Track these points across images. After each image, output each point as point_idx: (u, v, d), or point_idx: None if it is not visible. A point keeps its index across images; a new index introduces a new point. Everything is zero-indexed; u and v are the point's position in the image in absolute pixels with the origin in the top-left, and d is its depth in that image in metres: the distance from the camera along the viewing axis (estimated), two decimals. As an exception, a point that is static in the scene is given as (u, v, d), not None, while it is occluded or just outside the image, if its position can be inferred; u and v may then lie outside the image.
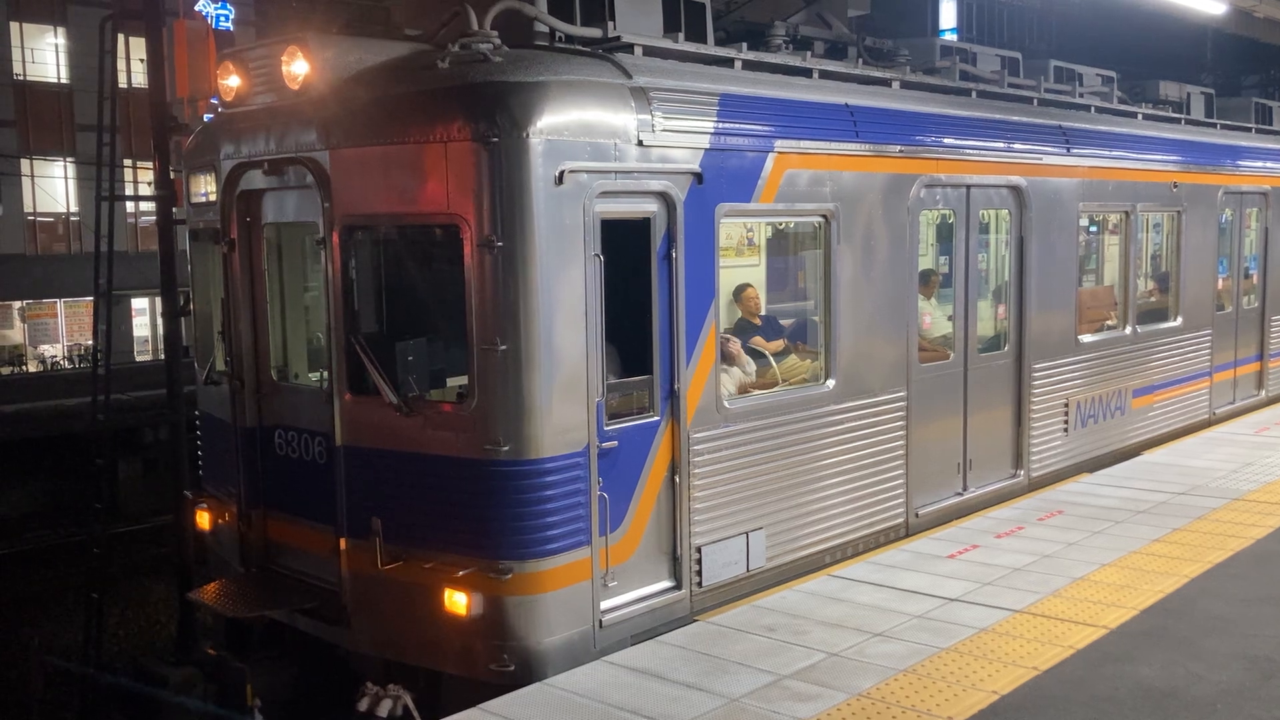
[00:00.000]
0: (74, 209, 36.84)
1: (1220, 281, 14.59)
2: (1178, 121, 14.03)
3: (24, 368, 34.95)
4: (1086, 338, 11.67)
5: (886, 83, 9.54)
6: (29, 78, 36.19)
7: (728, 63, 8.26)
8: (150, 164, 13.57)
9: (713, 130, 7.59)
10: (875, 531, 9.05)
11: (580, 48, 7.43)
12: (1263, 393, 15.64)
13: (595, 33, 7.63)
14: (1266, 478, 11.14)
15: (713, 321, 7.66)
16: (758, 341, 8.80)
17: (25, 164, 35.36)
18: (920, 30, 40.05)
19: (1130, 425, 12.47)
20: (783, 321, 9.12)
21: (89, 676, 12.19)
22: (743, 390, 8.25)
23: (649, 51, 7.73)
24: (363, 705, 6.83)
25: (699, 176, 7.47)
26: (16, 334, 37.18)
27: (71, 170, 37.04)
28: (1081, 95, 12.21)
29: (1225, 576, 8.18)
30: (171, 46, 12.84)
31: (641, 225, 7.27)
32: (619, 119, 7.02)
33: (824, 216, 8.50)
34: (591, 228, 6.84)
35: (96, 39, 13.31)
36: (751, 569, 7.96)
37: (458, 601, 6.72)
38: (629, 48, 7.60)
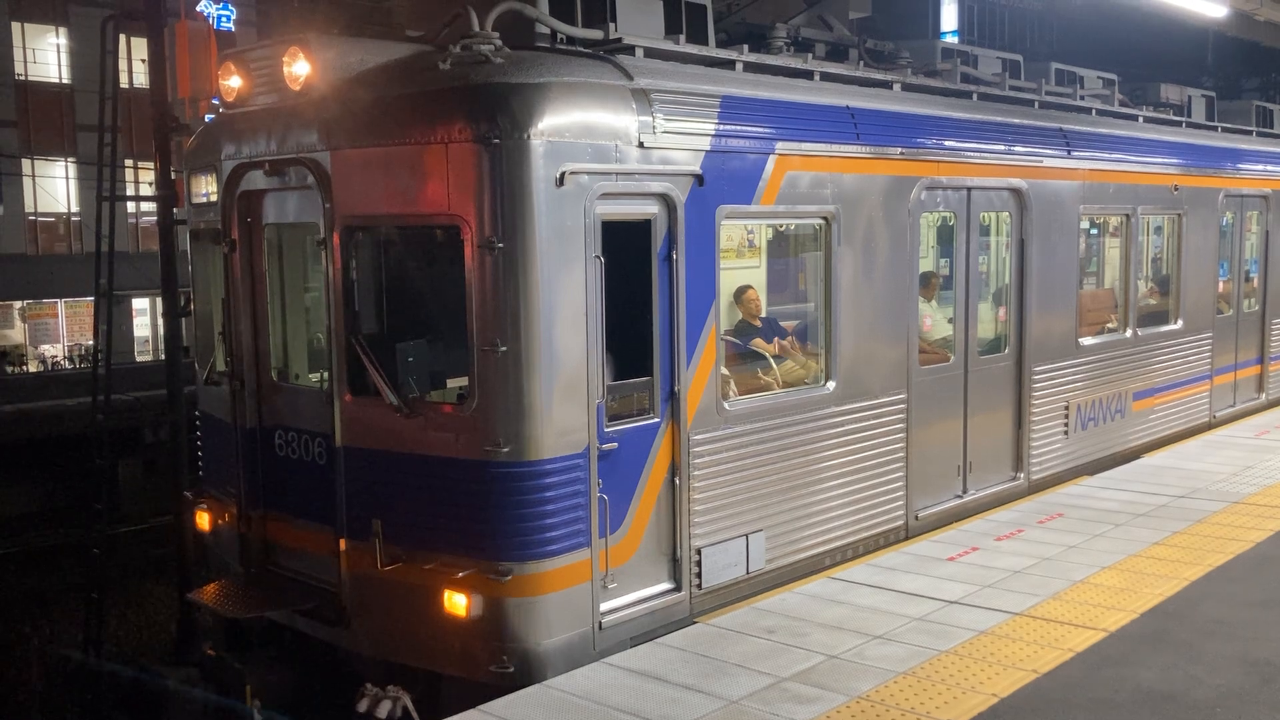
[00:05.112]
0: (75, 209, 36.85)
1: (1221, 285, 14.59)
2: (1179, 124, 14.03)
3: (24, 367, 34.97)
4: (1087, 340, 11.67)
5: (887, 85, 9.54)
6: (30, 78, 36.20)
7: (729, 65, 8.26)
8: (151, 164, 13.61)
9: (714, 132, 7.59)
10: (875, 534, 9.05)
11: (581, 49, 7.43)
12: (1263, 396, 15.63)
13: (596, 34, 7.62)
14: (1266, 481, 11.13)
15: (713, 323, 7.66)
16: (758, 343, 8.81)
17: (26, 164, 35.37)
18: (921, 32, 40.05)
19: (1130, 428, 12.47)
20: (783, 323, 9.12)
21: (89, 676, 12.20)
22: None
23: (650, 53, 7.73)
24: (362, 706, 6.82)
25: (700, 178, 7.47)
26: (17, 334, 37.19)
27: (72, 170, 37.06)
28: (1082, 98, 12.21)
29: (1225, 580, 8.18)
30: (173, 47, 12.87)
31: (642, 227, 7.27)
32: (620, 120, 7.02)
33: (825, 218, 8.50)
34: (592, 229, 6.84)
35: (98, 39, 13.34)
36: (751, 571, 7.96)
37: (457, 603, 6.72)
38: (630, 49, 7.60)
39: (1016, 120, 10.63)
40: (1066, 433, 11.30)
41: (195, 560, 11.55)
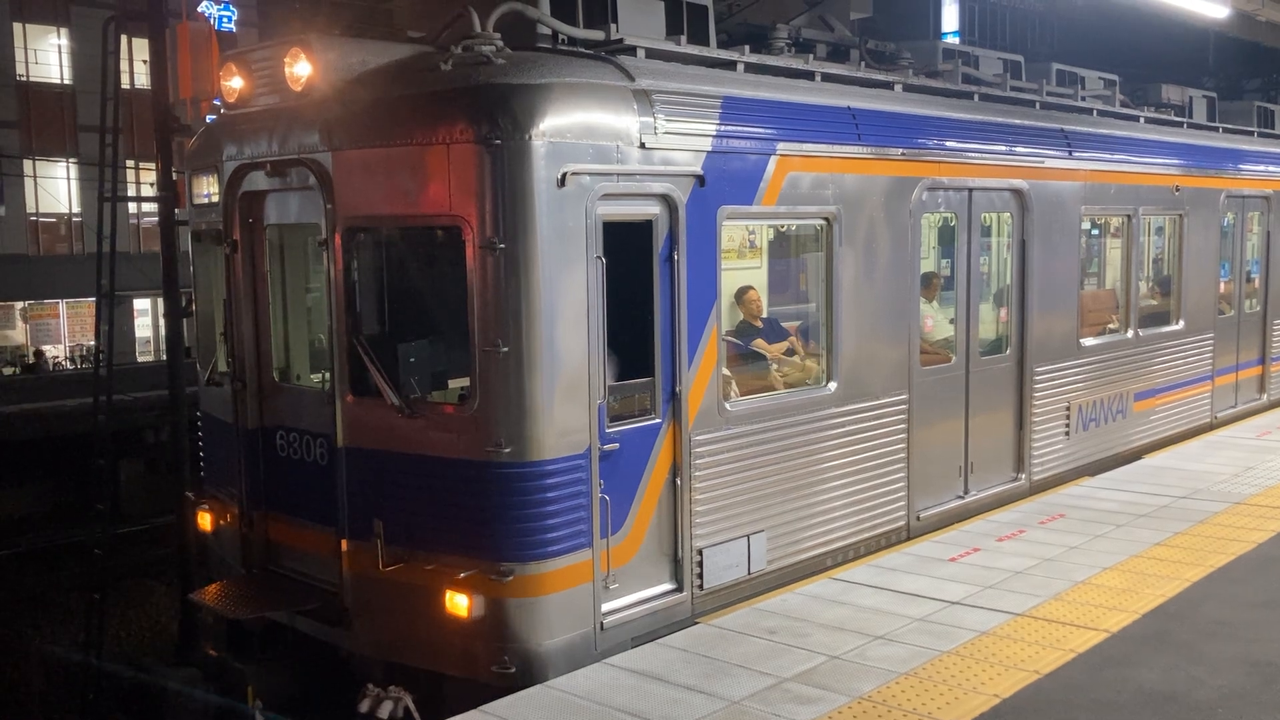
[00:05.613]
0: (76, 210, 36.88)
1: (1222, 285, 14.59)
2: (1180, 125, 14.03)
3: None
4: (1088, 341, 11.67)
5: (889, 85, 9.54)
6: (32, 78, 36.24)
7: (730, 65, 8.26)
8: (153, 165, 13.63)
9: (715, 133, 7.59)
10: (877, 534, 9.05)
11: (583, 50, 7.44)
12: (1264, 396, 15.62)
13: (598, 35, 7.63)
14: (1268, 482, 11.13)
15: (714, 324, 7.66)
16: (759, 344, 8.81)
17: (28, 165, 35.40)
18: (922, 33, 40.05)
19: (1132, 429, 12.47)
20: (785, 324, 9.12)
21: (90, 676, 12.21)
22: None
23: (651, 54, 7.73)
24: (364, 707, 6.83)
25: (701, 179, 7.47)
26: (19, 334, 37.22)
27: (74, 171, 37.09)
28: (1083, 98, 12.21)
29: (1226, 580, 8.18)
30: (174, 48, 12.92)
31: (643, 227, 7.27)
32: (621, 121, 7.02)
33: (826, 219, 8.50)
34: (593, 230, 6.84)
35: (99, 40, 13.37)
36: (753, 571, 7.96)
37: (459, 603, 6.72)
38: (631, 50, 7.60)
39: (1018, 121, 10.63)
40: (1068, 433, 11.30)
41: (197, 560, 11.56)
